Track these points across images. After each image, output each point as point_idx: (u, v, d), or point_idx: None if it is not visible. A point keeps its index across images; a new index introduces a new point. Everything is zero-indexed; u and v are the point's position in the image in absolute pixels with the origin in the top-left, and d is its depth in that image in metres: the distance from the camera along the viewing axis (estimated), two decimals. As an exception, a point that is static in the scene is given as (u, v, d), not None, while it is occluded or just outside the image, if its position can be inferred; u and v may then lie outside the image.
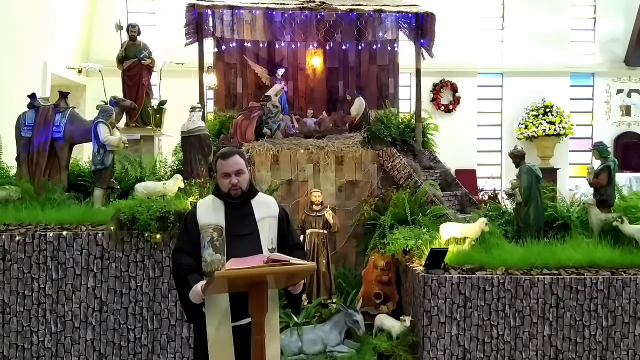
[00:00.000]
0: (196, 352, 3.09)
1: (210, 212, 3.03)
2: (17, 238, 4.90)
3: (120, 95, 7.00)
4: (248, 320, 2.84)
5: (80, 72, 10.40)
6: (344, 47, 8.97)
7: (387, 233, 6.07)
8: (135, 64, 7.44)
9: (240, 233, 2.99)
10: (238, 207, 3.04)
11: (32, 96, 5.88)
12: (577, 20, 12.57)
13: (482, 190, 9.38)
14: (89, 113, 8.08)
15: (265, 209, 3.09)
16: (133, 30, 7.53)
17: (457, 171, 10.50)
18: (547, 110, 11.65)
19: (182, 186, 5.54)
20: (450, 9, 11.10)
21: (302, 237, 6.22)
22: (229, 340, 2.88)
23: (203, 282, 2.80)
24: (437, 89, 12.16)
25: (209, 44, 8.45)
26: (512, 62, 12.29)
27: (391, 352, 5.14)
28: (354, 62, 9.04)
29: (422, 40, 7.78)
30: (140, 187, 5.45)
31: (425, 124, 7.85)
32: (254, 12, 8.49)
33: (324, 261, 6.21)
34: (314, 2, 7.52)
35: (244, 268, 2.59)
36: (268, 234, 3.02)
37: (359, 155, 7.03)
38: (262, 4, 7.58)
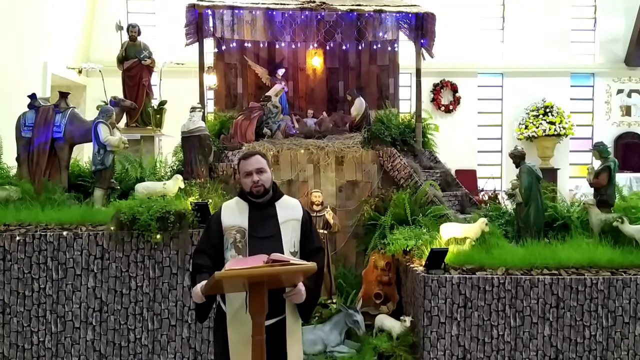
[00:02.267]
0: (217, 351, 3.10)
1: (234, 214, 3.05)
2: (17, 238, 4.90)
3: (120, 95, 7.00)
4: (271, 320, 2.86)
5: (80, 72, 10.42)
6: (344, 47, 8.96)
7: (387, 233, 6.07)
8: (135, 64, 7.43)
9: (263, 235, 2.99)
10: (262, 208, 3.06)
11: (32, 96, 5.88)
12: (577, 20, 12.57)
13: (482, 190, 9.38)
14: (89, 113, 8.07)
15: (289, 212, 3.10)
16: (133, 30, 7.53)
17: (457, 171, 10.50)
18: (547, 110, 11.66)
19: (182, 186, 5.54)
20: (450, 9, 11.09)
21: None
22: (249, 341, 2.88)
23: (203, 282, 2.80)
24: (437, 89, 12.16)
25: (209, 44, 8.44)
26: (512, 62, 12.29)
27: (391, 352, 5.14)
28: (354, 62, 9.04)
29: (422, 40, 7.77)
30: (140, 187, 5.45)
31: (425, 124, 7.85)
32: (254, 12, 8.48)
33: (324, 261, 6.20)
34: (314, 2, 7.52)
35: (244, 268, 2.59)
36: (290, 236, 3.03)
37: (359, 155, 7.03)
38: (262, 4, 7.58)
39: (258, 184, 3.02)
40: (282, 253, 2.92)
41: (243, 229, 2.99)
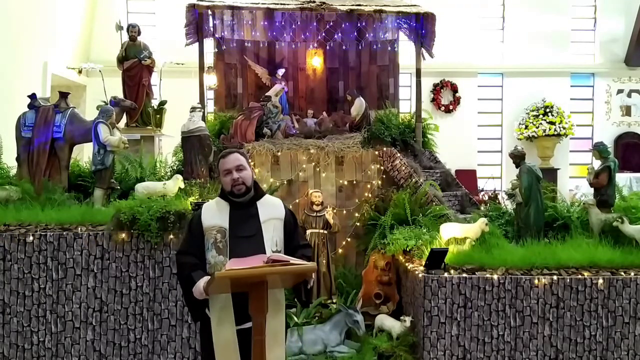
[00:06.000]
0: (204, 354, 3.08)
1: (214, 214, 3.03)
2: (17, 238, 4.90)
3: (120, 95, 7.00)
4: (249, 324, 2.84)
5: (80, 72, 10.42)
6: (344, 47, 8.97)
7: (387, 233, 6.07)
8: (135, 64, 7.43)
9: (244, 234, 2.98)
10: (242, 208, 3.04)
11: (32, 96, 5.87)
12: (577, 20, 12.58)
13: (482, 190, 9.38)
14: (89, 113, 8.07)
15: (271, 210, 3.08)
16: (133, 30, 7.53)
17: (457, 171, 10.51)
18: (547, 110, 11.66)
19: (182, 186, 5.54)
20: (450, 9, 11.09)
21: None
22: (234, 344, 2.88)
23: (206, 278, 2.79)
24: (437, 89, 12.16)
25: (209, 44, 8.45)
26: (512, 62, 12.29)
27: (391, 352, 5.14)
28: (354, 62, 9.04)
29: (422, 40, 7.78)
30: (140, 187, 5.45)
31: (425, 124, 7.85)
32: (254, 12, 8.49)
33: (324, 261, 6.21)
34: (314, 2, 7.52)
35: (244, 268, 2.59)
36: (272, 235, 3.01)
37: (359, 155, 7.03)
38: (262, 4, 7.58)
39: (238, 182, 3.00)
40: (264, 252, 2.90)
41: (223, 228, 2.97)
